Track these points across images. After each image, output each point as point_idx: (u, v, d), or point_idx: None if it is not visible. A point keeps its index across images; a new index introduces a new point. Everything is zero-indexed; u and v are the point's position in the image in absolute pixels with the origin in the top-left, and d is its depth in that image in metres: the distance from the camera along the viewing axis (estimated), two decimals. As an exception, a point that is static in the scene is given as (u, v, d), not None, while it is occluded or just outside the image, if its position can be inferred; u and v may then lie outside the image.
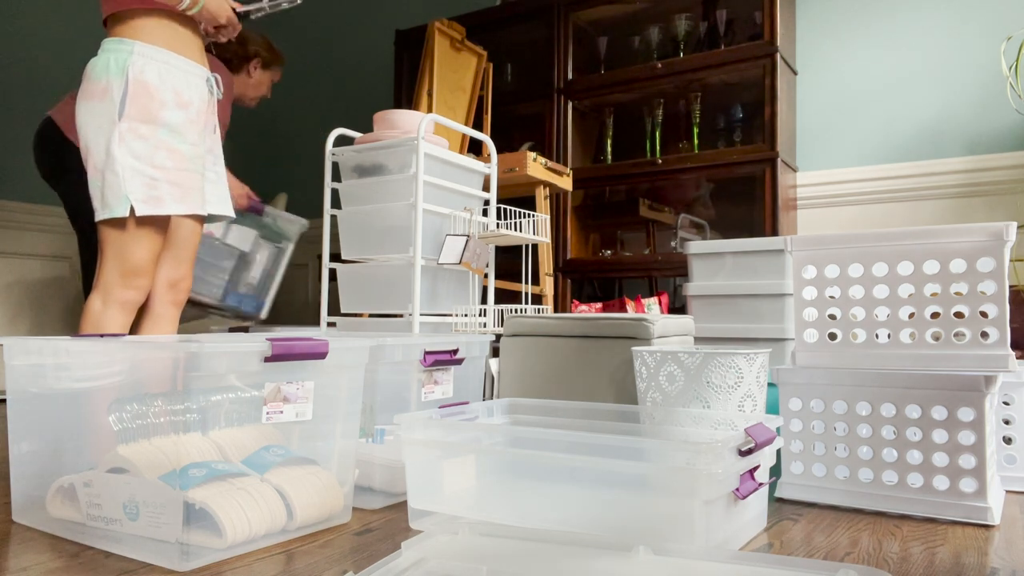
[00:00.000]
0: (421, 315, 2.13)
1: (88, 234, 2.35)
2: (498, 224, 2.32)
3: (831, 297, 1.38)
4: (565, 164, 3.14)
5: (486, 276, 2.37)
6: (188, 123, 1.69)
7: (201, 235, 1.88)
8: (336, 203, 4.00)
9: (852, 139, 2.92)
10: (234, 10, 1.78)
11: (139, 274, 1.68)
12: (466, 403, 1.55)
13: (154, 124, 1.64)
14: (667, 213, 3.24)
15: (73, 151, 2.27)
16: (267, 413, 1.06)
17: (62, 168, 2.34)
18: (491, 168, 2.36)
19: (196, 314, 2.84)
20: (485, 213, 2.48)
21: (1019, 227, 2.57)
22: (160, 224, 1.69)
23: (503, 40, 3.56)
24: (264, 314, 2.87)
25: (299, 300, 4.37)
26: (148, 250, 1.68)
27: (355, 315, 2.57)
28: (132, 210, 1.60)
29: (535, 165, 2.60)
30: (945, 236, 1.27)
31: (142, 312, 1.83)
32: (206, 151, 1.81)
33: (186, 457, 0.98)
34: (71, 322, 3.78)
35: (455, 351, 1.53)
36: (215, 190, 1.85)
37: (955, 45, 2.75)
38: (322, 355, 1.10)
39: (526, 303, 2.99)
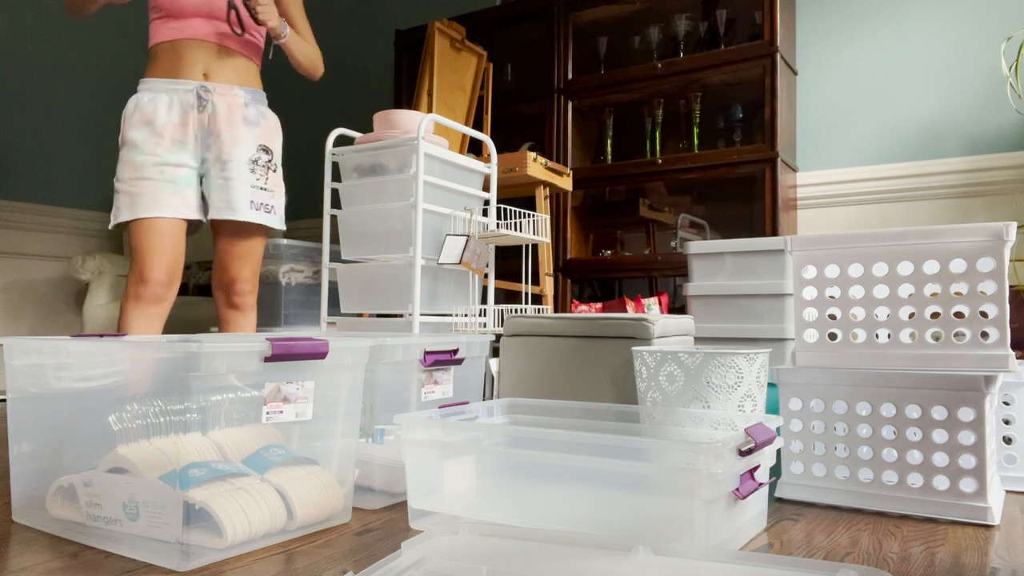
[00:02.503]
0: (421, 315, 2.13)
1: None
2: (498, 224, 2.32)
3: (831, 297, 1.38)
4: (565, 164, 3.14)
5: (486, 276, 2.37)
6: (151, 135, 1.86)
7: (250, 239, 2.00)
8: (336, 203, 4.00)
9: (852, 139, 2.91)
10: None
11: (144, 280, 1.83)
12: (466, 403, 1.55)
13: (125, 146, 1.87)
14: (667, 213, 3.24)
15: None
16: (267, 413, 1.06)
17: None
18: (491, 168, 2.36)
19: None
20: (485, 213, 2.48)
21: (1019, 227, 2.57)
22: (144, 229, 1.84)
23: (503, 40, 3.56)
24: None
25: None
26: (142, 253, 1.83)
27: (355, 315, 2.57)
28: (119, 224, 1.92)
29: (535, 165, 2.60)
30: (945, 236, 1.27)
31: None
32: (196, 159, 1.91)
33: (186, 457, 0.98)
34: (71, 322, 3.78)
35: (455, 351, 1.53)
36: (221, 196, 1.92)
37: (955, 45, 2.75)
38: (322, 355, 1.11)
39: (526, 303, 3.00)
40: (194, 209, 1.90)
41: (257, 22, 1.88)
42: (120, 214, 1.83)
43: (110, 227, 2.00)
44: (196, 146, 1.89)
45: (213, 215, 1.91)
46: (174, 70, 1.89)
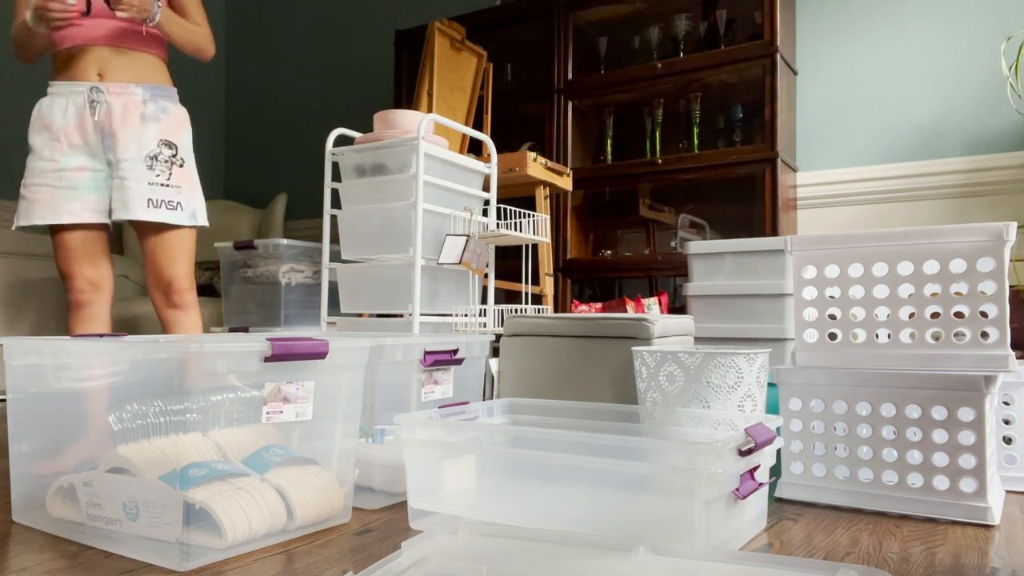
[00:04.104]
0: (421, 315, 2.13)
1: None
2: (498, 224, 2.32)
3: (831, 297, 1.38)
4: (565, 164, 3.14)
5: (486, 276, 2.37)
6: (49, 141, 1.88)
7: (176, 236, 1.95)
8: (336, 203, 4.00)
9: (852, 139, 2.92)
10: None
11: (69, 289, 1.90)
12: (466, 403, 1.55)
13: (29, 152, 1.89)
14: (667, 213, 3.25)
15: None
16: (267, 413, 1.06)
17: None
18: (491, 168, 2.36)
19: None
20: (485, 213, 2.48)
21: (1019, 227, 2.57)
22: (57, 243, 1.88)
23: (503, 40, 3.56)
24: None
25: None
26: (62, 266, 1.89)
27: (355, 315, 2.57)
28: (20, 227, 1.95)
29: (535, 165, 2.60)
30: (945, 236, 1.27)
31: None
32: (100, 161, 1.89)
33: (186, 457, 0.98)
34: (71, 322, 3.78)
35: (455, 351, 1.53)
36: (118, 196, 1.90)
37: (955, 45, 2.75)
38: (322, 355, 1.11)
39: (526, 303, 3.00)
40: (98, 213, 1.89)
41: (113, 10, 1.79)
42: (19, 218, 1.86)
43: (12, 229, 2.00)
44: (96, 148, 1.88)
45: (114, 216, 1.89)
46: (71, 73, 1.88)
